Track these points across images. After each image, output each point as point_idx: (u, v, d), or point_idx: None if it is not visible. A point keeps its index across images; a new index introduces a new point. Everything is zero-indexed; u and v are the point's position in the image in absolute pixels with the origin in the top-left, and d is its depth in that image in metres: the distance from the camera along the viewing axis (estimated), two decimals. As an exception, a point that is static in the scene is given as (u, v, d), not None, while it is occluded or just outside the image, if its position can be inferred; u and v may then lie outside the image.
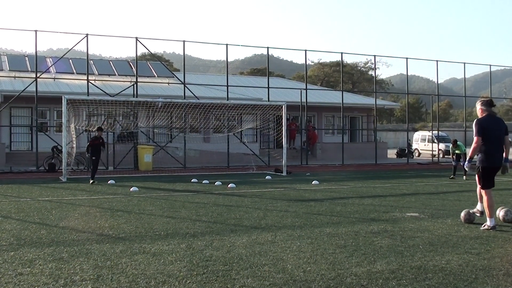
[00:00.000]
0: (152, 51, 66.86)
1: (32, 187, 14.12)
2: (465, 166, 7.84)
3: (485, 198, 7.47)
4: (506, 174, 7.79)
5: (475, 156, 7.64)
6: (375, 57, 29.57)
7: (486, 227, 7.36)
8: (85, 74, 22.72)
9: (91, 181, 15.11)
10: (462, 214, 8.05)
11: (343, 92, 27.58)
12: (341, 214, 8.96)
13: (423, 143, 37.00)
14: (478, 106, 7.60)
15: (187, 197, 11.71)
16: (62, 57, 24.46)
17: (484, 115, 7.49)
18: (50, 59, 27.99)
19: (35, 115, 22.27)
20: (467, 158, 7.77)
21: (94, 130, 17.86)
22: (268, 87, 25.15)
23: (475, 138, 7.37)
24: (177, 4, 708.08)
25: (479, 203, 8.18)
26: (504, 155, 7.54)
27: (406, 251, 5.91)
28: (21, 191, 12.86)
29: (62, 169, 17.07)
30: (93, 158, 15.57)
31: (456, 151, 18.73)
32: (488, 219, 7.37)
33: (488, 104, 7.53)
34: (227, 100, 23.48)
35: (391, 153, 34.95)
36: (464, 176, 17.80)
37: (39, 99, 21.61)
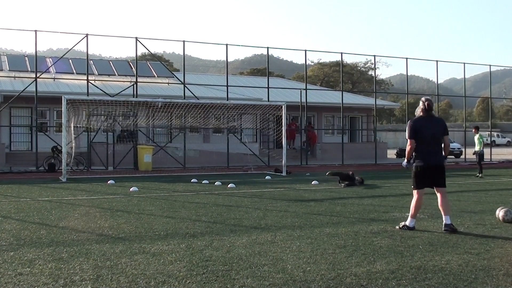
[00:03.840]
0: (152, 51, 66.90)
1: (32, 187, 14.11)
2: (403, 164, 7.72)
3: (414, 198, 7.30)
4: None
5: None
6: (375, 57, 29.55)
7: (403, 225, 7.27)
8: (85, 74, 22.71)
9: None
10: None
11: (343, 92, 27.55)
12: (341, 214, 8.96)
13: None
14: (420, 106, 7.33)
15: (187, 197, 11.71)
16: (62, 57, 24.45)
17: (421, 114, 7.28)
18: (50, 59, 27.99)
19: (35, 115, 22.27)
20: (405, 160, 7.56)
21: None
22: (268, 87, 25.14)
23: (408, 141, 7.26)
24: (177, 4, 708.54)
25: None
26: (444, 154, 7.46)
27: (406, 251, 5.91)
28: (21, 191, 12.85)
29: (62, 169, 17.06)
30: None
31: (476, 147, 17.66)
32: (409, 218, 7.27)
33: (429, 105, 7.25)
34: (227, 100, 23.48)
35: (391, 153, 34.91)
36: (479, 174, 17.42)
37: (39, 99, 21.61)
